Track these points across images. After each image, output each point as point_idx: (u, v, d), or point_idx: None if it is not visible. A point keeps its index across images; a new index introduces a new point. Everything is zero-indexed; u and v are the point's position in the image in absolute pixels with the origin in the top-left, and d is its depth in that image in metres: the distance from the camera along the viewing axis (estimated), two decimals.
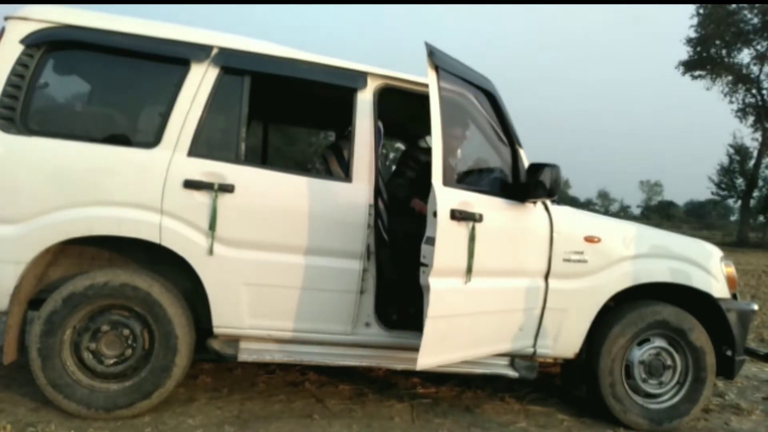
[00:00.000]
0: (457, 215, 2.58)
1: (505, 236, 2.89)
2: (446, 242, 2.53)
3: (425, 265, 2.56)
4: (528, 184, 2.91)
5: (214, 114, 2.88)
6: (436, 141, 2.55)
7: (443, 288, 2.57)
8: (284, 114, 4.58)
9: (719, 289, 3.30)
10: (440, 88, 2.60)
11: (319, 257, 2.89)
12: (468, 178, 2.88)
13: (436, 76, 2.60)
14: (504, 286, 2.89)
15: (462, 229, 2.62)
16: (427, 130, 4.47)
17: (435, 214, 2.54)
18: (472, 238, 2.64)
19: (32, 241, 2.63)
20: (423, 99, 3.27)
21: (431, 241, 2.53)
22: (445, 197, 2.58)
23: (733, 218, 59.09)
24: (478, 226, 2.65)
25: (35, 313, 2.71)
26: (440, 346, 2.66)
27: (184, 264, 2.77)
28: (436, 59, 2.59)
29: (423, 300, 2.88)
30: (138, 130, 3.05)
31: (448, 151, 2.62)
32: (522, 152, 3.04)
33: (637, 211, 79.69)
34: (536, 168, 2.88)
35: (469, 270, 2.64)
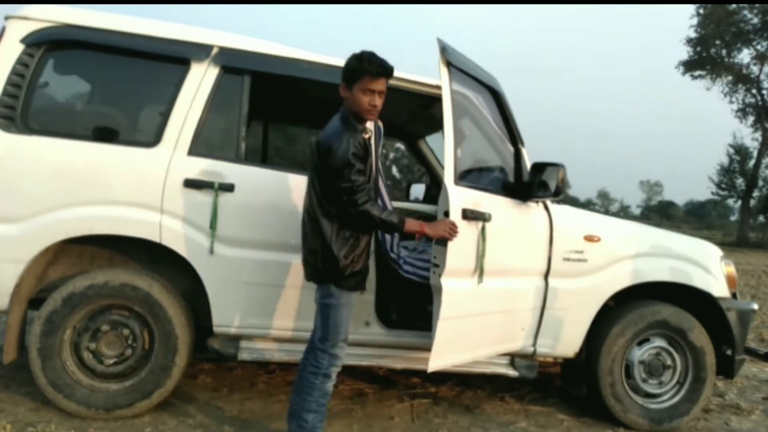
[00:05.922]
0: (469, 215, 2.53)
1: (509, 236, 2.87)
2: (458, 242, 2.48)
3: (436, 266, 2.50)
4: (531, 184, 2.90)
5: (214, 113, 2.88)
6: (448, 138, 2.47)
7: (455, 289, 2.51)
8: (284, 113, 4.57)
9: (719, 289, 3.29)
10: (452, 85, 2.53)
11: None
12: (473, 177, 2.84)
13: (448, 73, 2.54)
14: (508, 286, 2.88)
15: (473, 229, 2.58)
16: (428, 130, 4.54)
17: (446, 214, 2.49)
18: (483, 238, 2.60)
19: (32, 240, 2.63)
20: (422, 98, 3.30)
21: (443, 241, 2.46)
22: (458, 197, 2.53)
23: (733, 218, 59.07)
24: (487, 225, 2.62)
25: (35, 313, 2.71)
26: (450, 348, 2.62)
27: (185, 263, 2.77)
28: (449, 56, 2.53)
29: (422, 299, 2.89)
30: (138, 129, 3.04)
31: (459, 149, 2.55)
32: (525, 151, 3.04)
33: (637, 211, 79.84)
34: (540, 167, 2.88)
35: (480, 270, 2.60)
